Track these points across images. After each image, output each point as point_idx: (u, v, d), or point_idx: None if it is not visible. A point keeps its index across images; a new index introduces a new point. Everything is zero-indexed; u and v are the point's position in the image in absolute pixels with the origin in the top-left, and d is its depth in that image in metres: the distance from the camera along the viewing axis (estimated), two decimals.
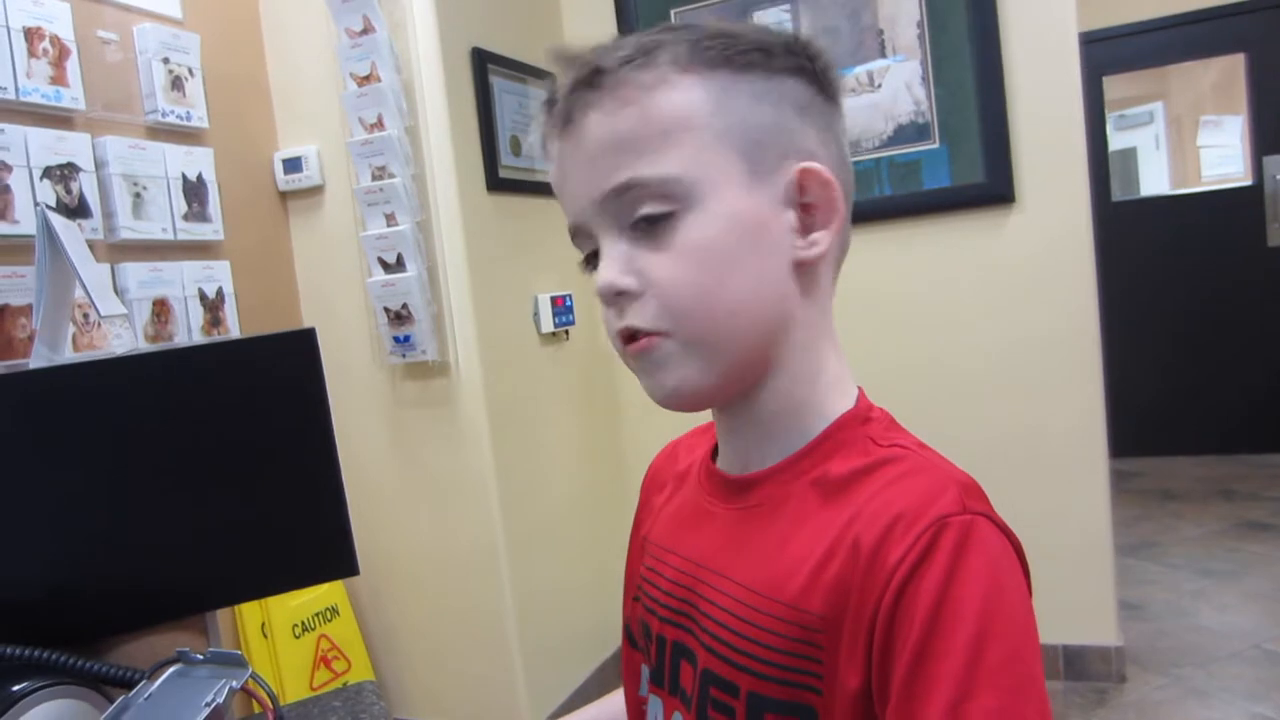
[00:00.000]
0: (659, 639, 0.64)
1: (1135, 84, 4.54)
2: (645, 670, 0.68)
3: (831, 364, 0.60)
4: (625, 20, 2.51)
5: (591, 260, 0.59)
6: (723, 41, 0.56)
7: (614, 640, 2.53)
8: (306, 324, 2.26)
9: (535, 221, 2.42)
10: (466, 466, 2.16)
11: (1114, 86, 4.42)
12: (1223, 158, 4.42)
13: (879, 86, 2.31)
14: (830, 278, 0.61)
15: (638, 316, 0.56)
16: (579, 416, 2.55)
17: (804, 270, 0.57)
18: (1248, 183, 4.18)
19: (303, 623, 2.10)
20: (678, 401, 0.58)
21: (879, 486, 0.53)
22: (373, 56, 2.01)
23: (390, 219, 2.07)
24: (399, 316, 2.10)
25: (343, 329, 2.21)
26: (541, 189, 2.43)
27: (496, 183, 2.22)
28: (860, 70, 2.32)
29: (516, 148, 2.31)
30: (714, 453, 0.66)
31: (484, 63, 2.18)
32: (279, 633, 2.06)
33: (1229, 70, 4.27)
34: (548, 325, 2.38)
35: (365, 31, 2.01)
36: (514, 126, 2.30)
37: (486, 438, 2.14)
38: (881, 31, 2.30)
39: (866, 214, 2.33)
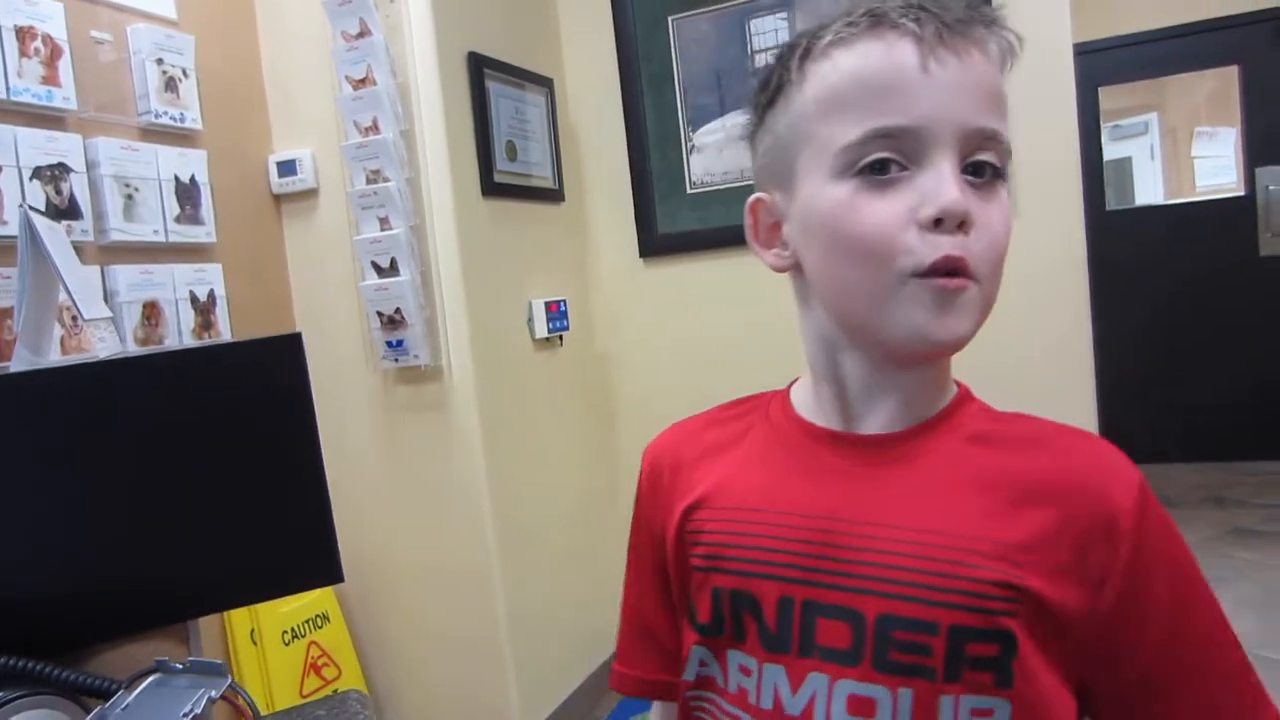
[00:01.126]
0: (782, 601, 0.62)
1: (1130, 95, 4.55)
2: (737, 653, 0.65)
3: None
4: (623, 27, 2.51)
5: (877, 168, 0.57)
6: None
7: (606, 648, 2.52)
8: (299, 328, 2.25)
9: (530, 227, 2.41)
10: (459, 472, 2.15)
11: (1109, 97, 4.43)
12: (1217, 168, 4.43)
13: None
14: None
15: (969, 250, 0.56)
16: (573, 422, 2.54)
17: None
18: (1241, 193, 4.19)
19: (293, 629, 2.09)
20: (953, 348, 0.60)
21: (1053, 441, 0.62)
22: (368, 59, 2.00)
23: (384, 223, 2.06)
24: (392, 321, 2.09)
25: (335, 333, 2.20)
26: (536, 194, 2.42)
27: (491, 187, 2.21)
28: None
29: (512, 152, 2.30)
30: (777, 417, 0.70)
31: (480, 67, 2.17)
32: (269, 639, 2.04)
33: (1223, 82, 4.28)
34: (542, 330, 2.37)
35: (361, 34, 2.01)
36: (510, 131, 2.29)
37: (479, 443, 2.13)
38: None
39: None
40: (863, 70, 0.57)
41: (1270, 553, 3.17)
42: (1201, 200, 4.39)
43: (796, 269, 0.64)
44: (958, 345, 0.59)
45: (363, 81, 2.02)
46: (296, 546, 0.85)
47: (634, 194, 2.57)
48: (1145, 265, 4.25)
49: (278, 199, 2.23)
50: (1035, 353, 2.21)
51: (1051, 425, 0.63)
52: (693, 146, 2.49)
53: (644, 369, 2.64)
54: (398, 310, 2.08)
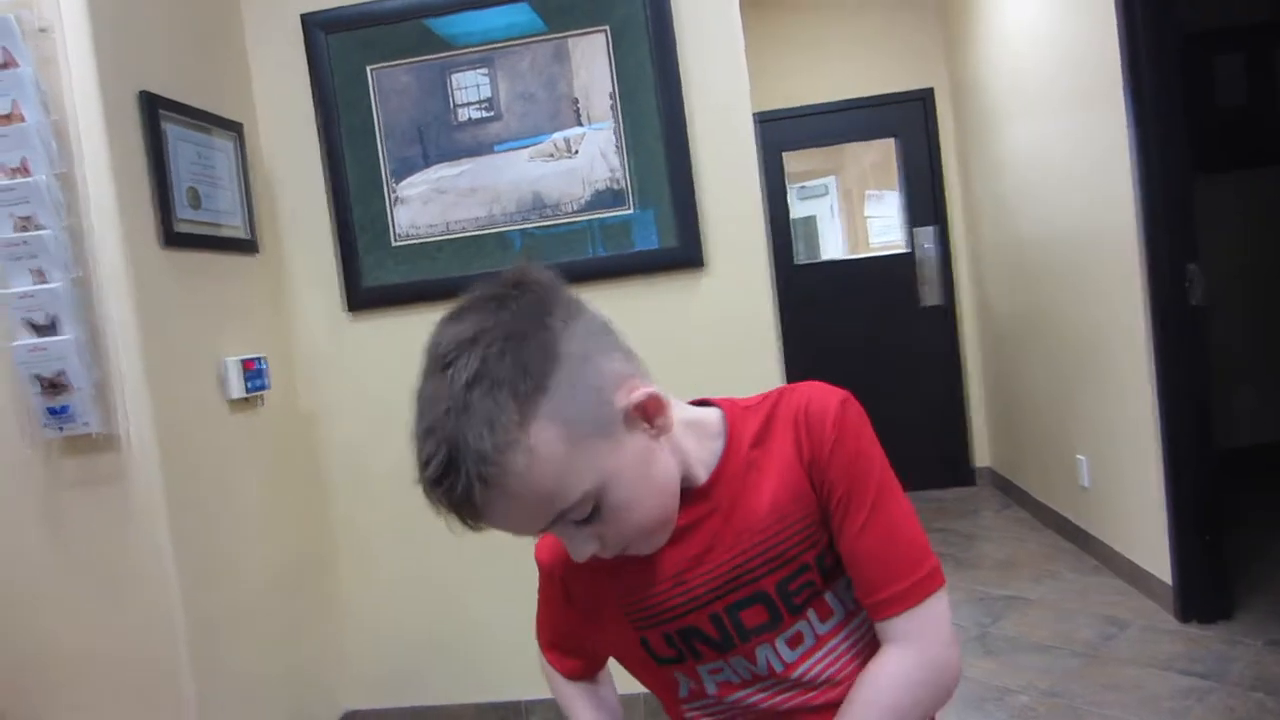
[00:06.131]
0: (713, 618, 0.84)
1: (812, 159, 5.07)
2: (696, 672, 0.87)
3: None
4: (319, 75, 2.43)
5: None
6: None
7: None
8: None
9: (221, 279, 2.25)
10: (140, 550, 1.93)
11: (793, 161, 4.90)
12: (885, 227, 5.03)
13: (576, 153, 2.40)
14: None
15: None
16: (277, 487, 2.37)
17: None
18: (905, 250, 4.77)
19: None
20: None
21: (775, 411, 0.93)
22: (13, 94, 1.79)
23: (39, 276, 1.84)
24: (54, 385, 1.86)
25: None
26: (226, 244, 2.27)
27: (173, 237, 2.04)
28: (558, 136, 2.40)
29: (196, 200, 2.14)
30: None
31: (154, 107, 2.01)
32: None
33: (885, 152, 4.89)
34: (238, 390, 2.21)
35: (5, 66, 1.79)
36: (192, 177, 2.13)
37: (163, 516, 1.93)
38: (577, 100, 2.39)
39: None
40: None
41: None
42: (875, 256, 4.95)
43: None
44: None
45: (7, 118, 1.80)
46: None
47: (337, 246, 2.48)
48: (827, 312, 4.71)
49: None
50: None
51: (766, 396, 0.92)
52: (396, 198, 2.45)
53: (355, 426, 2.53)
54: (60, 373, 1.85)
